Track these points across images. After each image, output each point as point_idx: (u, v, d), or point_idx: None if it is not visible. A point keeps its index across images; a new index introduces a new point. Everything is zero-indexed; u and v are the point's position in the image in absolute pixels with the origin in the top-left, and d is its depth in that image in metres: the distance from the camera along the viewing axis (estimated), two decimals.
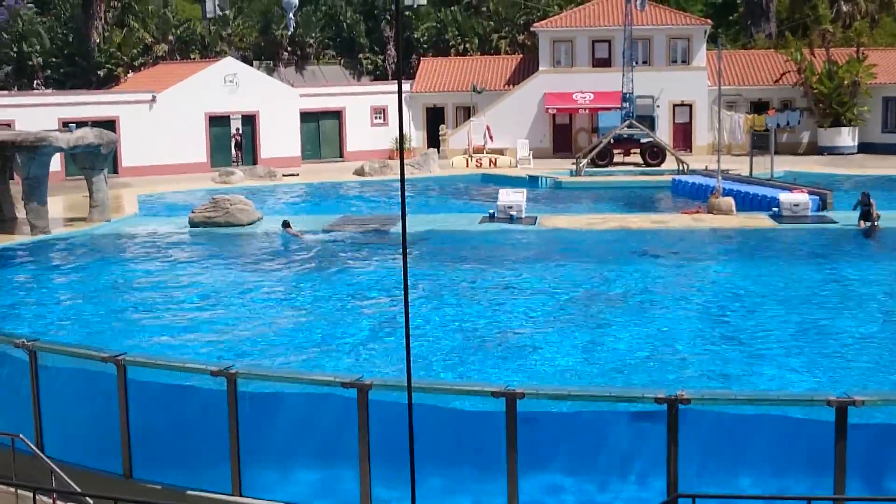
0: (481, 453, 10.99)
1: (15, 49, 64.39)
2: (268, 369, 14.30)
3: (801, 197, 33.43)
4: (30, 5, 68.16)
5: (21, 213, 33.52)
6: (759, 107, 54.28)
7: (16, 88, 61.75)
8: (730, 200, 34.05)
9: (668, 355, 18.21)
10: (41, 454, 12.03)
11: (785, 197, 33.47)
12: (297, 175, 49.10)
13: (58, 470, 11.40)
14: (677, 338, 19.33)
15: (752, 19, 66.41)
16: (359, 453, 11.04)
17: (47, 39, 64.60)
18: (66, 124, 40.65)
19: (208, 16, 58.28)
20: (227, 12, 57.12)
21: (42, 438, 12.99)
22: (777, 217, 32.82)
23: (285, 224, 32.24)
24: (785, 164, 44.84)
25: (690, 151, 53.28)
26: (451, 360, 18.08)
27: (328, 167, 52.96)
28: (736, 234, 31.07)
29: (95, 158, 34.52)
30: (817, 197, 34.18)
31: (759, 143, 43.97)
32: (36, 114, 46.63)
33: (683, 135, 54.94)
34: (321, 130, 56.38)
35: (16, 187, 35.23)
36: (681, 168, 45.09)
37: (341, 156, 56.26)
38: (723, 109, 45.81)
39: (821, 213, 33.38)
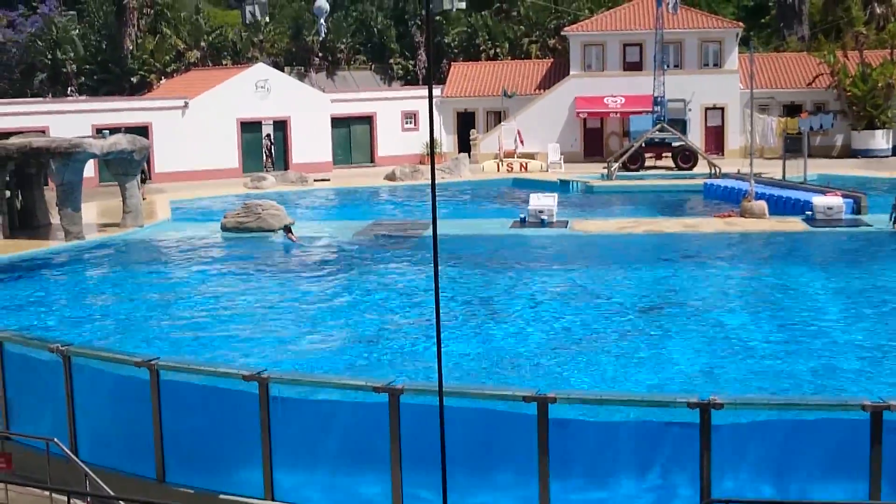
0: (514, 457, 10.96)
1: (49, 56, 65.00)
2: (299, 373, 14.33)
3: (834, 200, 33.17)
4: (71, 13, 68.73)
5: (55, 218, 33.80)
6: (791, 110, 53.90)
7: (50, 95, 62.29)
8: (763, 204, 33.82)
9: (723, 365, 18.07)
10: (75, 458, 12.11)
11: (818, 200, 33.21)
12: (329, 180, 49.24)
13: (92, 474, 11.47)
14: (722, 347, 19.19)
15: (785, 22, 66.00)
16: (390, 457, 11.04)
17: (81, 47, 65.14)
18: (99, 131, 40.98)
19: (248, 22, 58.61)
20: (264, 18, 57.42)
21: (76, 442, 13.08)
22: (810, 221, 32.58)
23: (286, 229, 32.34)
24: (818, 168, 44.51)
25: (722, 155, 52.99)
26: (485, 366, 18.04)
27: (359, 172, 53.07)
28: (769, 238, 30.86)
29: (129, 164, 34.78)
30: (851, 200, 33.89)
31: (792, 147, 43.66)
32: (70, 120, 47.01)
33: (715, 138, 54.66)
34: (352, 135, 56.53)
35: (50, 193, 35.54)
36: (713, 172, 44.85)
37: (372, 161, 56.39)
38: (755, 112, 45.51)
39: (855, 217, 33.08)
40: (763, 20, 71.90)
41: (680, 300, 22.91)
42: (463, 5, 61.13)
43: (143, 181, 42.49)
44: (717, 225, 32.88)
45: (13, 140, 33.92)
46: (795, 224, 32.46)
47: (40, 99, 56.98)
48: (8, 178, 33.59)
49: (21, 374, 13.95)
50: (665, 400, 11.25)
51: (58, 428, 12.88)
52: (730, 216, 33.92)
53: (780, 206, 34.94)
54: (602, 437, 10.93)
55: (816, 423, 10.52)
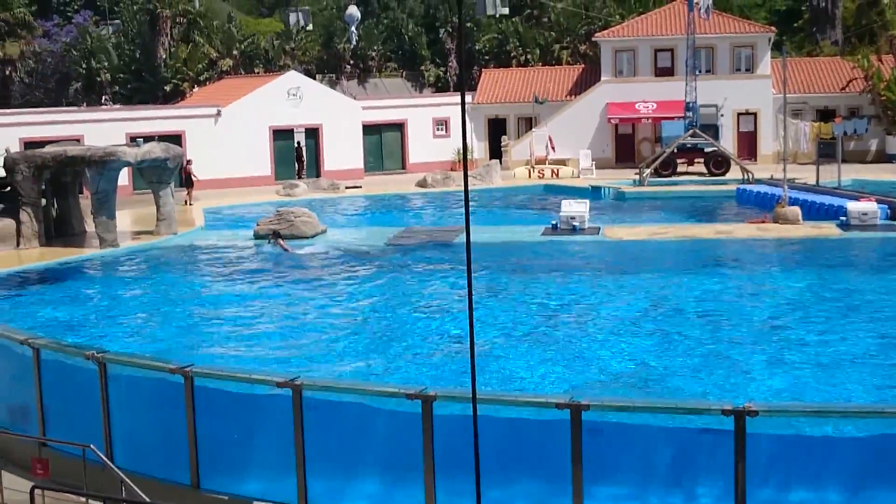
0: (546, 465, 10.92)
1: (84, 66, 65.62)
2: (333, 380, 14.36)
3: (869, 206, 32.90)
4: (116, 21, 69.31)
5: (90, 226, 34.09)
6: (825, 115, 53.51)
7: (85, 104, 62.88)
8: (796, 210, 33.59)
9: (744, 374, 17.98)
10: (111, 464, 12.19)
11: (853, 206, 32.96)
12: (360, 187, 49.37)
13: (127, 480, 11.54)
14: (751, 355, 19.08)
15: (818, 26, 65.59)
16: (423, 465, 11.04)
17: (115, 56, 65.70)
18: (133, 139, 41.28)
19: (291, 28, 59.04)
20: (308, 24, 57.85)
21: (112, 449, 13.18)
22: (845, 226, 32.33)
23: (275, 235, 32.37)
24: (852, 173, 44.14)
25: (755, 160, 52.67)
26: (526, 373, 18.02)
27: (391, 179, 53.18)
28: (803, 244, 30.65)
29: (162, 172, 35.03)
30: (886, 205, 33.59)
31: (826, 152, 43.36)
32: (104, 129, 47.36)
33: (748, 144, 54.33)
34: (383, 142, 56.64)
35: (85, 201, 35.86)
36: (746, 177, 44.59)
37: (403, 168, 56.47)
38: (788, 118, 45.24)
39: (890, 222, 32.78)
40: (796, 24, 71.47)
41: (729, 307, 22.79)
42: (506, 10, 61.42)
43: (190, 185, 43.41)
44: (751, 231, 32.68)
45: (49, 149, 34.25)
46: (830, 229, 32.22)
47: (75, 108, 57.49)
48: (44, 187, 33.92)
49: (57, 381, 14.07)
50: (699, 407, 11.18)
51: (93, 434, 12.97)
52: (763, 222, 33.70)
53: (813, 212, 34.70)
54: (636, 444, 10.88)
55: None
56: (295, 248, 31.87)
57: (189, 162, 44.34)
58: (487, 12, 61.60)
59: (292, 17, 58.16)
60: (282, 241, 32.25)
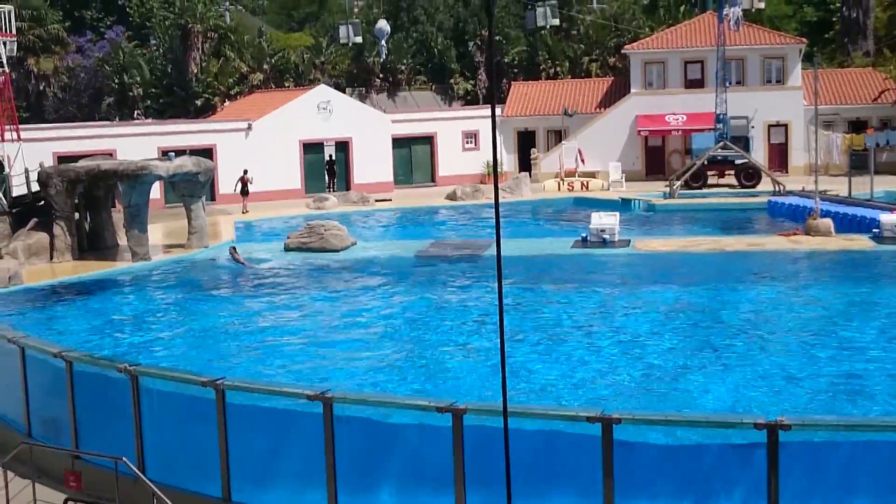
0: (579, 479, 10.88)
1: (116, 81, 66.21)
2: (364, 393, 14.39)
3: None
4: (151, 43, 69.94)
5: (122, 240, 34.36)
6: (857, 126, 53.17)
7: (117, 119, 63.42)
8: (828, 222, 33.36)
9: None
10: (143, 477, 12.25)
11: (886, 217, 32.68)
12: (390, 200, 49.48)
13: (159, 492, 11.59)
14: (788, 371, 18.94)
15: (849, 37, 65.14)
16: (454, 478, 11.02)
17: (147, 71, 66.27)
18: (165, 153, 41.63)
19: (342, 41, 59.27)
20: (358, 38, 58.01)
21: (144, 461, 13.24)
22: (878, 238, 32.06)
23: (233, 250, 32.34)
24: (885, 184, 43.79)
25: (786, 172, 52.39)
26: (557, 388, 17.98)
27: (420, 192, 53.26)
28: (836, 256, 30.42)
29: (194, 186, 35.25)
30: None
31: (858, 163, 43.04)
32: (136, 143, 47.81)
33: (779, 155, 54.05)
34: (413, 156, 56.77)
35: (117, 215, 36.15)
36: (777, 189, 44.35)
37: (433, 181, 56.57)
38: (820, 129, 44.94)
39: None
40: (827, 35, 71.04)
41: (763, 319, 22.66)
42: (556, 21, 61.43)
43: (246, 194, 46.04)
44: (783, 243, 32.47)
45: (82, 163, 34.59)
46: (863, 242, 31.97)
47: (108, 122, 57.97)
48: (77, 201, 34.23)
49: (90, 393, 14.17)
50: (731, 421, 11.09)
51: (126, 447, 13.04)
52: (795, 234, 33.49)
53: (846, 224, 34.46)
54: (665, 458, 10.81)
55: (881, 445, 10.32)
56: (252, 263, 31.78)
57: (246, 172, 46.98)
58: (538, 24, 61.66)
59: (342, 31, 58.17)
60: (238, 255, 32.13)
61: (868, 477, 10.28)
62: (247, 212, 45.30)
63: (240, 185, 46.37)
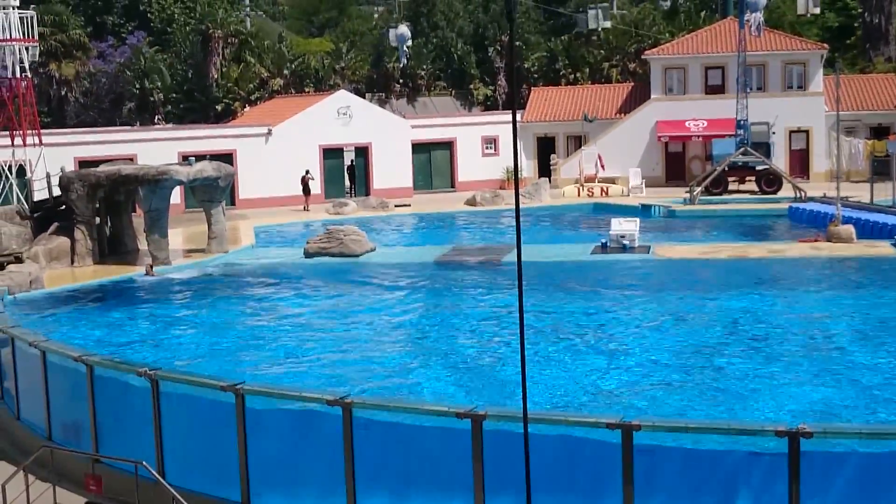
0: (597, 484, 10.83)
1: (137, 86, 66.57)
2: (383, 399, 14.37)
3: None
4: (170, 43, 70.28)
5: (143, 244, 34.47)
6: (879, 132, 52.86)
7: (138, 124, 63.75)
8: (850, 228, 33.16)
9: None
10: (163, 481, 12.28)
11: None
12: (409, 205, 49.51)
13: (179, 497, 11.62)
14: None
15: (871, 43, 64.89)
16: (473, 484, 10.99)
17: (168, 76, 66.60)
18: (185, 158, 41.76)
19: (401, 58, 59.44)
20: (406, 48, 58.18)
21: (163, 465, 13.26)
22: None
23: (149, 267, 31.87)
24: None
25: (807, 178, 52.11)
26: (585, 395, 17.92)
27: (440, 197, 53.24)
28: (858, 263, 30.23)
29: (214, 191, 35.35)
30: None
31: (880, 169, 42.80)
32: (157, 148, 48.02)
33: (800, 162, 53.79)
34: (433, 161, 56.78)
35: (138, 220, 36.28)
36: (798, 195, 44.13)
37: (452, 186, 56.55)
38: (841, 135, 44.72)
39: None
40: (848, 41, 70.76)
41: (785, 327, 22.52)
42: (608, 24, 61.30)
43: (307, 193, 48.83)
44: (804, 250, 32.30)
45: (103, 168, 34.74)
46: (885, 248, 31.76)
47: (128, 127, 58.29)
48: (98, 205, 34.37)
49: (110, 397, 14.21)
50: (752, 428, 11.02)
51: (146, 451, 13.07)
52: (816, 241, 33.32)
53: (867, 230, 34.26)
54: (686, 465, 10.76)
55: None
56: (159, 274, 31.52)
57: (307, 172, 49.76)
58: (590, 26, 61.77)
59: (391, 33, 58.03)
60: (152, 272, 31.65)
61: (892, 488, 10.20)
62: (308, 209, 47.72)
63: (301, 184, 49.02)
